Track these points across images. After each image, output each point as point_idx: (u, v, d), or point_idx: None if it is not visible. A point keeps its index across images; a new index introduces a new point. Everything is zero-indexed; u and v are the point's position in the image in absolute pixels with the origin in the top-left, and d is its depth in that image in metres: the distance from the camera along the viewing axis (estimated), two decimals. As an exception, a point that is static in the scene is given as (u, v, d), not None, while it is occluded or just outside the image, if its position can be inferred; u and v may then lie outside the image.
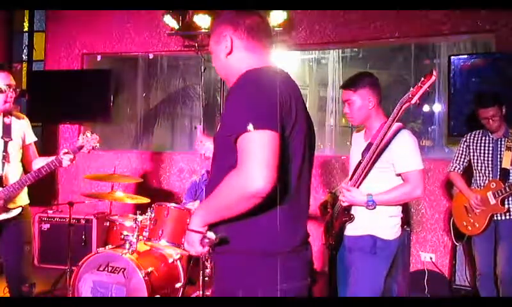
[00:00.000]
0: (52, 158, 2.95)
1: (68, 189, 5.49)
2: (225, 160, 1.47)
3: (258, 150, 1.35)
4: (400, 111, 2.32)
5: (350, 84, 2.55)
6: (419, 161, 2.44)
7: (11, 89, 2.89)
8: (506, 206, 3.39)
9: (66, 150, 2.93)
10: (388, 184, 2.48)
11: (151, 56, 5.71)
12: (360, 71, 2.69)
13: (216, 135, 1.58)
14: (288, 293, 1.46)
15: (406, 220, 4.27)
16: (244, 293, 1.44)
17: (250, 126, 1.36)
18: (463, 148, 3.64)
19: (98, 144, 3.04)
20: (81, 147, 3.00)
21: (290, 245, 1.50)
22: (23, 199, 3.00)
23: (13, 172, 2.94)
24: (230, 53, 1.61)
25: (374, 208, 2.44)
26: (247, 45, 1.60)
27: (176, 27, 4.85)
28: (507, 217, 3.39)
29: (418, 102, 2.29)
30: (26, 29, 5.94)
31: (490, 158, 3.47)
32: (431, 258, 4.58)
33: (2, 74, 2.88)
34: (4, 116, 2.93)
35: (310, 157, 1.61)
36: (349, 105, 2.55)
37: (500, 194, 3.36)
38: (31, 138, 3.11)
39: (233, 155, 1.41)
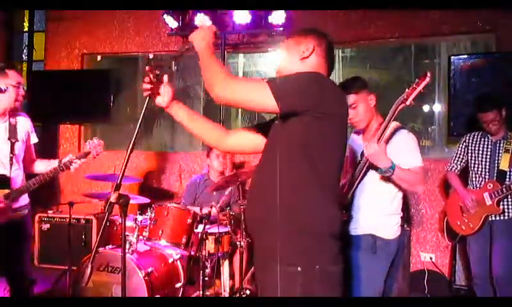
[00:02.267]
0: (55, 162, 2.99)
1: (68, 189, 5.49)
2: (276, 148, 1.69)
3: (250, 85, 1.68)
4: (396, 112, 2.38)
5: (351, 87, 2.50)
6: (420, 158, 2.46)
7: (22, 87, 2.93)
8: (501, 207, 3.39)
9: (72, 155, 2.95)
10: (385, 184, 2.46)
11: (151, 56, 5.68)
12: (349, 77, 2.67)
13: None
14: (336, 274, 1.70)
15: (406, 220, 4.26)
16: (303, 269, 1.61)
17: (271, 84, 1.60)
18: (461, 148, 3.65)
19: (102, 150, 3.08)
20: (88, 153, 3.02)
21: (336, 229, 1.70)
22: (24, 198, 3.01)
23: (19, 173, 2.97)
24: (306, 58, 1.79)
25: (390, 175, 2.31)
26: (320, 62, 1.81)
27: (176, 27, 4.85)
28: (502, 218, 3.40)
29: (412, 103, 2.38)
30: (26, 29, 5.93)
31: (488, 160, 3.47)
32: (431, 258, 4.58)
33: (13, 72, 2.91)
34: (9, 117, 2.94)
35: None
36: (354, 109, 2.49)
37: (497, 195, 3.36)
38: (34, 139, 3.14)
39: (284, 144, 1.66)
